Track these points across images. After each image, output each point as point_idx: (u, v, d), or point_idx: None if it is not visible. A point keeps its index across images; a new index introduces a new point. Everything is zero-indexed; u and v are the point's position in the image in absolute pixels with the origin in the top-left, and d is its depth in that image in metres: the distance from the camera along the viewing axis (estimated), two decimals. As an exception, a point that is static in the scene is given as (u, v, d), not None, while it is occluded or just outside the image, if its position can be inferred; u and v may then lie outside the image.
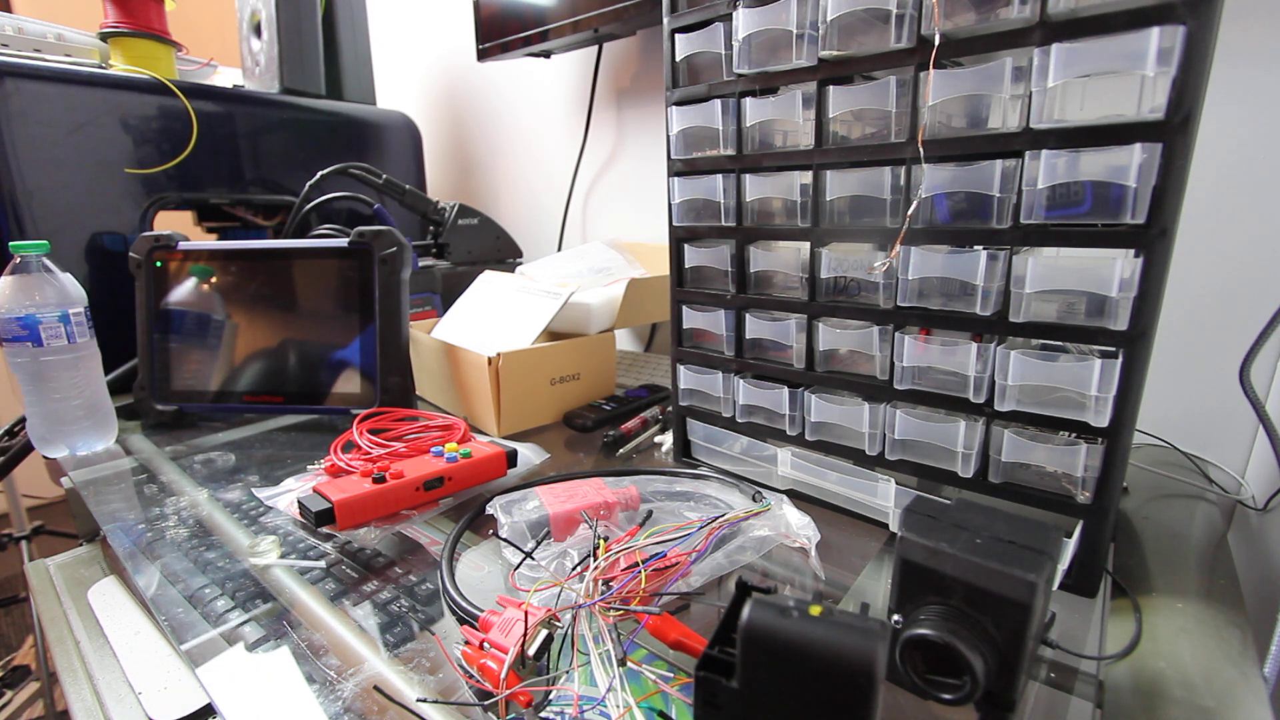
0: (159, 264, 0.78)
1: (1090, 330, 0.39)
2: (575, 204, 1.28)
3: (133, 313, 0.77)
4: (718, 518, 0.46)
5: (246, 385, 0.78)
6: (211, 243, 0.80)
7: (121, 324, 0.78)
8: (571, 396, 0.79)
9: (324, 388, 0.77)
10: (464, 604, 0.41)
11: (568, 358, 0.78)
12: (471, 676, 0.34)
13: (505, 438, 0.72)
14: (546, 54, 1.15)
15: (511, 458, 0.60)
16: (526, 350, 0.74)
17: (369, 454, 0.59)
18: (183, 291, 0.78)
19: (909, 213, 0.44)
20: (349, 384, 0.76)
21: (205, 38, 1.49)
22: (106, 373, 0.74)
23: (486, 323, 0.83)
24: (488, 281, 0.90)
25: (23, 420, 0.79)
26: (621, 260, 1.01)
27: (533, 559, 0.44)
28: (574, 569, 0.41)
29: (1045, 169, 0.38)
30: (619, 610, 0.36)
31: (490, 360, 0.70)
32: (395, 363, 0.75)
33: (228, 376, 0.78)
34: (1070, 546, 0.41)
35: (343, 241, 0.76)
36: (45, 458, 0.71)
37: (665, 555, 0.41)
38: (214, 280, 0.79)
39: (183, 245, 0.79)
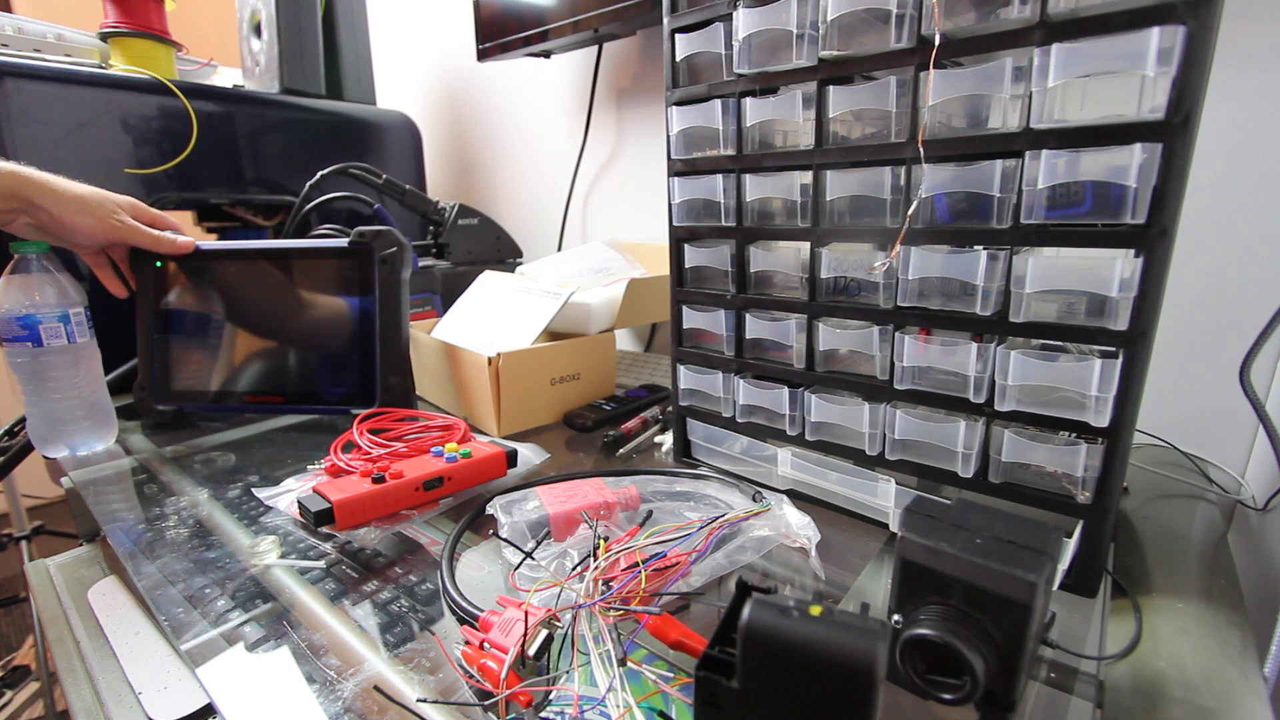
0: (159, 264, 0.78)
1: (1090, 330, 0.39)
2: (575, 204, 1.28)
3: (133, 313, 0.77)
4: (718, 518, 0.46)
5: (246, 385, 0.78)
6: (211, 243, 0.80)
7: (121, 324, 0.78)
8: (571, 396, 0.79)
9: (324, 388, 0.77)
10: (464, 604, 0.41)
11: (568, 358, 0.78)
12: (471, 676, 0.34)
13: (505, 438, 0.72)
14: (546, 54, 1.15)
15: (511, 458, 0.60)
16: (526, 350, 0.74)
17: (369, 454, 0.59)
18: (183, 291, 0.78)
19: (909, 213, 0.44)
20: (349, 384, 0.76)
21: (205, 38, 1.49)
22: (106, 373, 0.74)
23: (486, 323, 0.83)
24: (488, 281, 0.90)
25: (23, 420, 0.79)
26: (621, 260, 1.01)
27: (533, 559, 0.44)
28: (574, 569, 0.41)
29: (1045, 169, 0.38)
30: (619, 610, 0.36)
31: (490, 360, 0.70)
32: (395, 363, 0.75)
33: (228, 376, 0.78)
34: (1070, 546, 0.41)
35: (343, 241, 0.76)
36: (45, 458, 0.71)
37: (665, 555, 0.41)
38: (214, 280, 0.79)
39: (183, 245, 0.78)
